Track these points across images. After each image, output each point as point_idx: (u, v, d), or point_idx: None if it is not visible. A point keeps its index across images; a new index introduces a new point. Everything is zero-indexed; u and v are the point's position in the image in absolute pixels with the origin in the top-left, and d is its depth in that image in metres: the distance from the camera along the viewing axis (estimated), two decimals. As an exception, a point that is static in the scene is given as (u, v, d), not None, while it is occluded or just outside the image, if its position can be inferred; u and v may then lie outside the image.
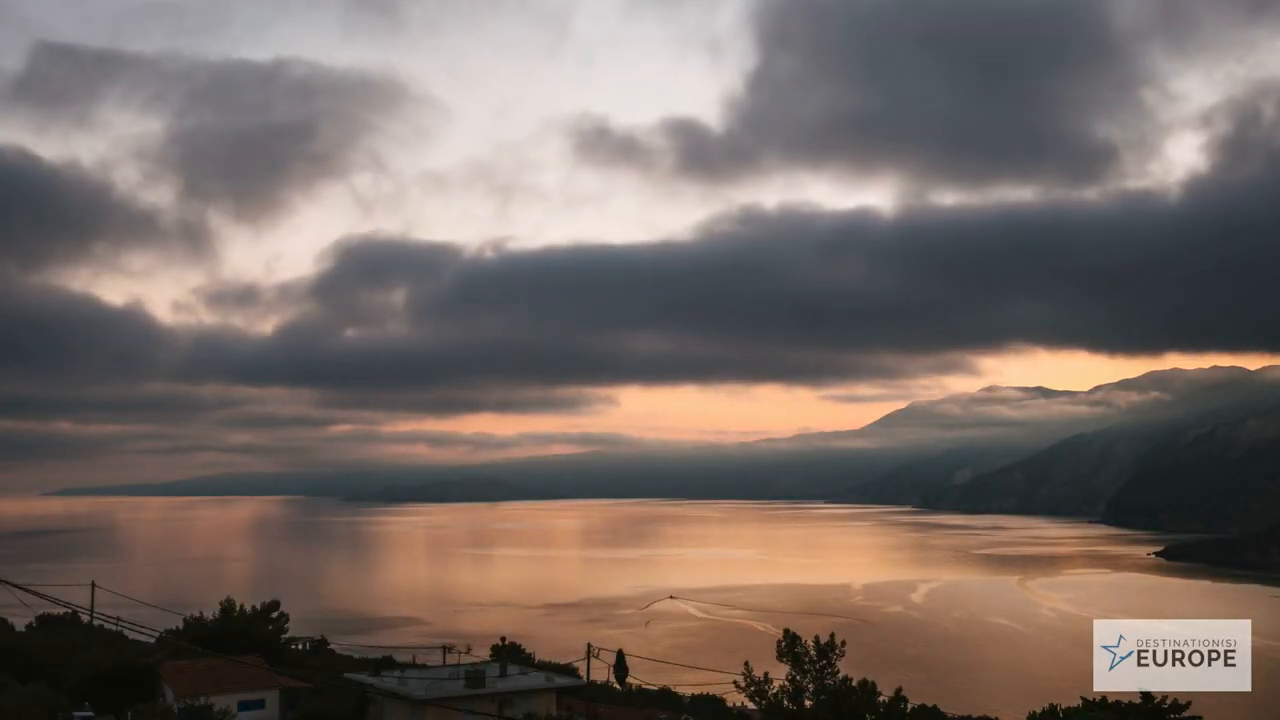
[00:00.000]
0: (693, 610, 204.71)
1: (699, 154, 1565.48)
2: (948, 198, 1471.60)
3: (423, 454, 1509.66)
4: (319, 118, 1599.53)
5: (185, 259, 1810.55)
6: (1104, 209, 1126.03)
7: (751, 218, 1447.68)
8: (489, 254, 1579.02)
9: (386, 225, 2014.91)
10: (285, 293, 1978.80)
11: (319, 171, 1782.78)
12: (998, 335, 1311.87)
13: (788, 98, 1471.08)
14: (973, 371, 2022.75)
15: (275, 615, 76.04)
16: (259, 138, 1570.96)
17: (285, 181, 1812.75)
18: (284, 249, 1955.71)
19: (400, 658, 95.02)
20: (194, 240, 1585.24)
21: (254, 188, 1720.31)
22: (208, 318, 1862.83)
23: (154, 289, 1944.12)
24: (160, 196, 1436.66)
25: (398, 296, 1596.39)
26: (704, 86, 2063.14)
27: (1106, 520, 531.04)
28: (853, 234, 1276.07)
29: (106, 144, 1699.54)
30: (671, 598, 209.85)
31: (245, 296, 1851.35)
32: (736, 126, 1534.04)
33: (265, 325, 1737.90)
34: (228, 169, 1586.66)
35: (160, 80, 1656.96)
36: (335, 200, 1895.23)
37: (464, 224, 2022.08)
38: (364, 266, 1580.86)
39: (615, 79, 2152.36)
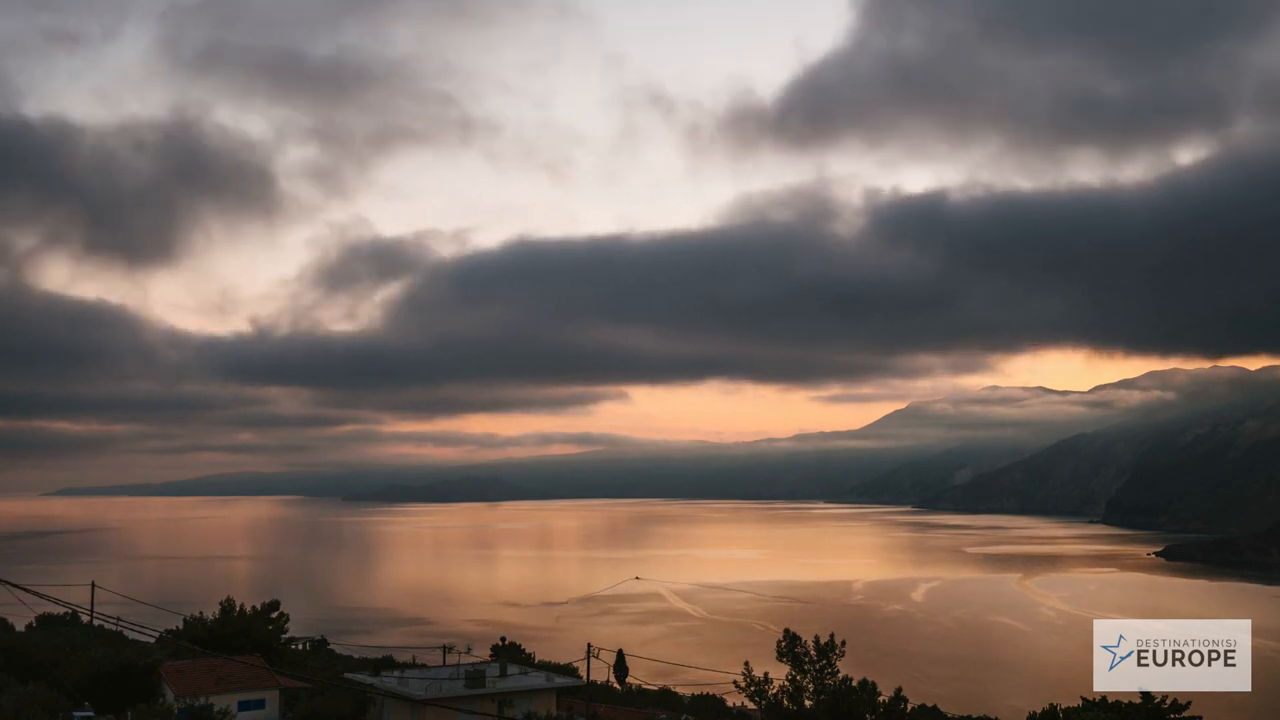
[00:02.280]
0: (666, 594, 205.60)
1: (723, 132, 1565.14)
2: (964, 184, 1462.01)
3: (423, 454, 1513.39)
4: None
5: (182, 256, 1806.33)
6: (1101, 202, 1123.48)
7: (759, 205, 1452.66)
8: (484, 249, 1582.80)
9: (394, 216, 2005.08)
10: (287, 292, 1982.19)
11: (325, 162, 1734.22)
12: (1000, 334, 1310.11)
13: (810, 77, 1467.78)
14: (973, 371, 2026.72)
15: (275, 615, 75.97)
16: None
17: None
18: (286, 244, 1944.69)
19: (400, 658, 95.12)
20: (195, 239, 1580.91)
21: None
22: (208, 317, 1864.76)
23: (154, 287, 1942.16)
24: (157, 179, 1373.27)
25: (398, 294, 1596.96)
26: (730, 62, 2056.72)
27: (1106, 520, 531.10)
28: (854, 227, 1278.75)
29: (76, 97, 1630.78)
30: (637, 578, 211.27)
31: (246, 295, 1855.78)
32: (756, 105, 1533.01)
33: (265, 324, 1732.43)
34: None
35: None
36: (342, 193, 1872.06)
37: (463, 215, 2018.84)
38: (364, 263, 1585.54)
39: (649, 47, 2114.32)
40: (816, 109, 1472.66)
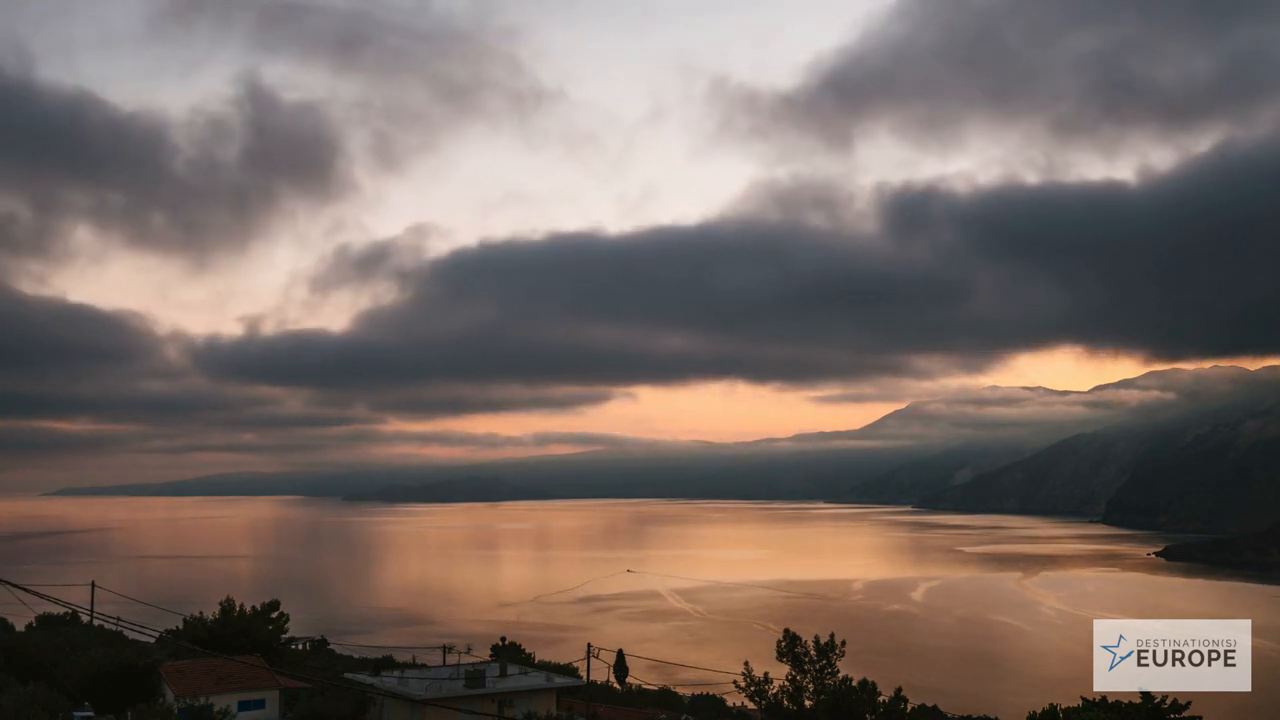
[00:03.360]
0: (665, 593, 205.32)
1: (731, 125, 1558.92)
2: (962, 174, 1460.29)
3: (423, 454, 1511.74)
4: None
5: (185, 258, 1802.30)
6: (1107, 197, 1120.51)
7: (761, 200, 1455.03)
8: (485, 245, 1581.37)
9: (396, 213, 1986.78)
10: (286, 291, 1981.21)
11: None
12: (1000, 334, 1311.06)
13: (812, 74, 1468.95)
14: (973, 371, 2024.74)
15: (275, 615, 75.96)
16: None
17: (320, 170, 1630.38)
18: (286, 244, 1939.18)
19: (400, 658, 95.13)
20: (193, 237, 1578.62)
21: (277, 173, 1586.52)
22: (208, 317, 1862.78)
23: (156, 288, 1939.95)
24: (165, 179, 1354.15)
25: (398, 293, 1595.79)
26: (740, 50, 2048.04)
27: (1106, 520, 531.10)
28: (856, 224, 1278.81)
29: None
30: (629, 571, 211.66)
31: (246, 296, 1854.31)
32: (763, 100, 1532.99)
33: (266, 324, 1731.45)
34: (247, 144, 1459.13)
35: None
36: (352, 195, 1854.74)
37: (469, 209, 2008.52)
38: (364, 263, 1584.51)
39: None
40: (818, 105, 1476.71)
